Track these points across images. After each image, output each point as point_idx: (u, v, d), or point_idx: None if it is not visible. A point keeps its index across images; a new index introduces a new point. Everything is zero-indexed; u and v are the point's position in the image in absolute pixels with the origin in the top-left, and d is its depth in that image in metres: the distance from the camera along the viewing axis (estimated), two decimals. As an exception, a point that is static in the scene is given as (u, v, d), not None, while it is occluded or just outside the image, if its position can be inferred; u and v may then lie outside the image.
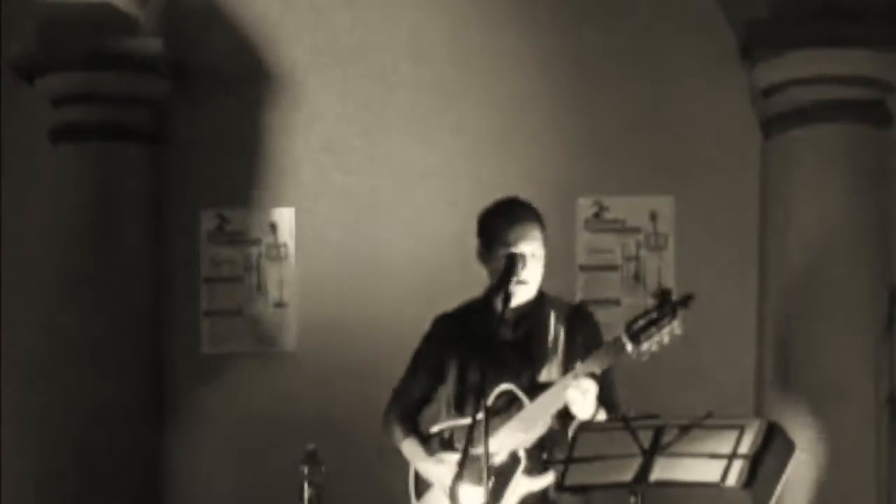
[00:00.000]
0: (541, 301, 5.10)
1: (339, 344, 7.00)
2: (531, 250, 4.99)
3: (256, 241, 7.15)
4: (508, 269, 4.94)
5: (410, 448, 5.19)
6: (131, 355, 6.96)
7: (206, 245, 7.19)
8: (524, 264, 4.96)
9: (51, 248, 7.03)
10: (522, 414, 4.92)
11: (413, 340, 6.65)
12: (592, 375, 4.81)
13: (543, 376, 4.98)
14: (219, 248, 7.18)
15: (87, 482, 6.84)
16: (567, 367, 4.95)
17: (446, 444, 5.11)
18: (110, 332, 6.92)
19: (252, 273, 7.14)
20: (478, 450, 4.73)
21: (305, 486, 5.14)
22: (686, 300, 4.76)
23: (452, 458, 4.93)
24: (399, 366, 6.78)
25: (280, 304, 7.12)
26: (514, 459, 4.95)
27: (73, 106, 7.01)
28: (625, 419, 4.57)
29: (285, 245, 7.13)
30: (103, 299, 6.93)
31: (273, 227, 7.14)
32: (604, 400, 4.89)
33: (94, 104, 7.00)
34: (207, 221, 7.19)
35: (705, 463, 4.43)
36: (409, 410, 5.26)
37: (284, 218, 7.13)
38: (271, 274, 7.13)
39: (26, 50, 7.00)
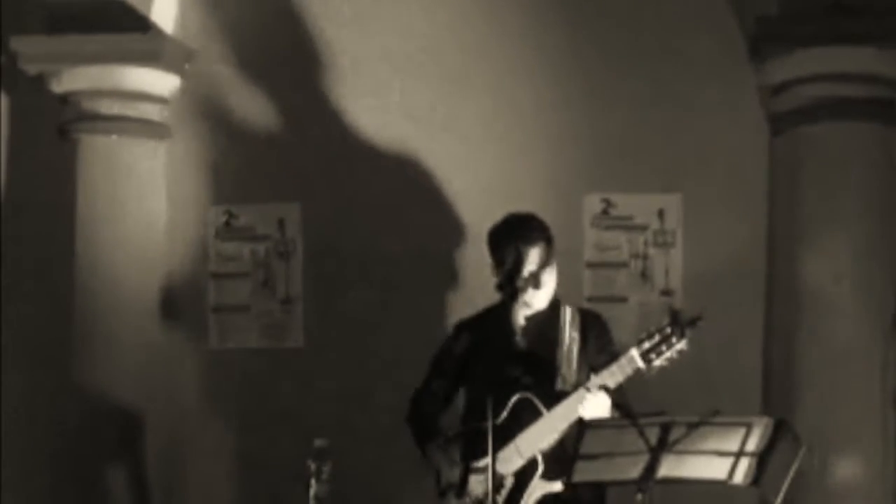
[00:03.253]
0: (554, 308, 5.33)
1: (347, 340, 7.00)
2: (538, 268, 5.23)
3: (264, 238, 7.16)
4: (521, 280, 5.20)
5: (435, 453, 5.35)
6: (139, 350, 6.97)
7: (213, 241, 7.20)
8: (538, 286, 5.22)
9: (56, 243, 7.03)
10: (539, 423, 5.11)
11: (419, 335, 6.67)
12: (605, 388, 5.05)
13: (559, 385, 5.20)
14: (226, 243, 7.18)
15: (91, 475, 6.84)
16: (580, 374, 5.19)
17: (465, 449, 5.21)
18: (117, 327, 6.93)
19: (260, 269, 7.15)
20: (498, 455, 5.03)
21: (313, 481, 5.14)
22: (694, 321, 5.02)
23: (478, 465, 5.07)
24: (405, 360, 6.80)
25: (287, 301, 7.12)
26: (532, 464, 5.13)
27: (80, 100, 7.02)
28: (632, 416, 4.59)
29: (293, 241, 7.13)
30: (110, 294, 6.93)
31: (281, 224, 7.14)
32: (618, 405, 5.11)
33: (102, 99, 7.01)
34: (215, 217, 7.20)
35: (712, 460, 4.44)
36: (431, 413, 5.45)
37: (292, 214, 7.13)
38: (279, 270, 7.13)
39: (35, 44, 7.00)
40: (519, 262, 5.18)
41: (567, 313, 5.33)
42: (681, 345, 5.00)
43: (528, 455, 5.11)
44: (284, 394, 7.04)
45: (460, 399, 5.51)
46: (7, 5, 7.13)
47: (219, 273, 7.18)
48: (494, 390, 5.04)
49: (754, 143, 6.76)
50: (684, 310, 5.02)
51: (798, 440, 4.46)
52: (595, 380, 5.05)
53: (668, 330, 5.00)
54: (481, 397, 5.05)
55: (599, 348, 5.29)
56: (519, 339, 5.28)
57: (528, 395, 5.12)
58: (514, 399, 5.11)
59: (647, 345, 5.02)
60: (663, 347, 5.00)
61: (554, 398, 5.13)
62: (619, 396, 5.14)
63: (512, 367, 5.22)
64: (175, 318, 7.09)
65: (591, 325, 5.35)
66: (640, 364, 5.02)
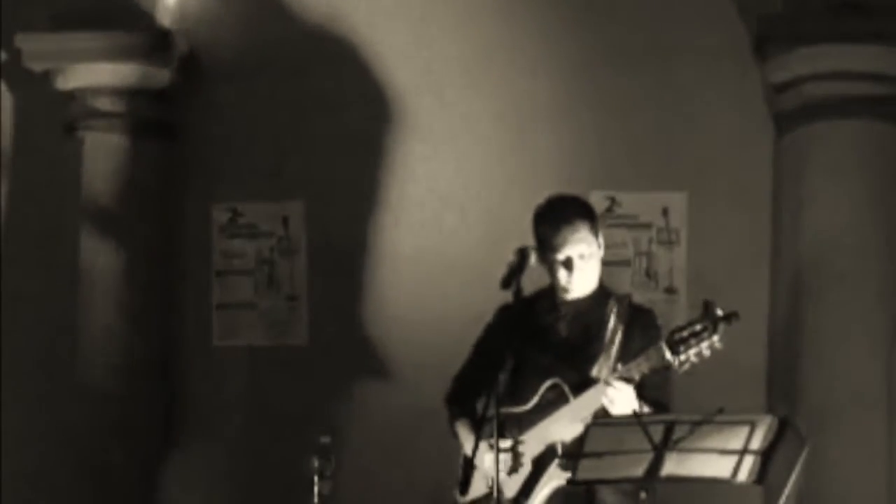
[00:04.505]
0: (601, 296, 5.17)
1: (351, 337, 7.01)
2: (578, 252, 5.07)
3: (269, 235, 7.16)
4: (561, 264, 5.05)
5: (462, 431, 5.23)
6: (143, 348, 6.97)
7: (218, 238, 7.21)
8: (571, 269, 5.05)
9: (60, 241, 7.03)
10: (564, 409, 4.99)
11: (423, 333, 6.68)
12: (628, 380, 4.90)
13: (594, 373, 5.04)
14: (231, 241, 7.19)
15: (96, 473, 6.85)
16: (617, 367, 5.02)
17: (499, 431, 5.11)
18: (121, 325, 6.93)
19: (264, 266, 7.15)
20: (520, 439, 4.95)
21: (317, 478, 5.15)
22: (730, 317, 4.82)
23: (502, 445, 4.94)
24: (409, 358, 6.83)
25: (292, 298, 7.12)
26: (551, 452, 5.01)
27: (86, 97, 7.02)
28: (636, 415, 4.58)
29: (297, 239, 7.14)
30: (114, 292, 6.94)
31: (285, 221, 7.14)
32: (652, 401, 4.97)
33: (107, 96, 7.02)
34: (220, 215, 7.20)
35: (716, 458, 4.42)
36: (467, 396, 5.28)
37: (296, 211, 7.13)
38: (283, 267, 7.14)
39: (40, 41, 7.00)
40: (547, 242, 5.04)
41: (614, 304, 5.14)
42: (713, 340, 4.80)
43: (548, 441, 4.99)
44: (288, 391, 7.05)
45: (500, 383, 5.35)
46: (11, 2, 7.13)
47: (223, 270, 7.19)
48: (530, 375, 4.97)
49: (759, 141, 6.77)
50: (720, 304, 4.80)
51: (802, 438, 4.45)
52: (620, 370, 4.92)
53: (699, 326, 4.82)
54: (516, 384, 4.97)
55: (645, 344, 5.03)
56: (560, 326, 5.13)
57: (559, 381, 4.97)
58: (545, 385, 4.98)
59: (676, 337, 4.83)
60: (693, 342, 4.81)
61: (588, 386, 4.98)
62: (656, 391, 4.99)
63: (550, 354, 5.07)
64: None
65: (639, 318, 5.13)
66: (669, 357, 4.83)
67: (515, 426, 5.03)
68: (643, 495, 4.55)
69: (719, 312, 4.81)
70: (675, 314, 6.69)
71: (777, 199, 6.69)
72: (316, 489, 5.14)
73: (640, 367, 4.90)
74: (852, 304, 6.34)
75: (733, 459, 4.41)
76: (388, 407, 6.87)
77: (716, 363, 6.63)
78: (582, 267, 5.08)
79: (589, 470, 4.49)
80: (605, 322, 5.10)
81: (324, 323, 7.08)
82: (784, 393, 6.46)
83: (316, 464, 5.15)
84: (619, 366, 4.96)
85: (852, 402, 6.28)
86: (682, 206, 6.86)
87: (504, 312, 5.22)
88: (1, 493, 7.01)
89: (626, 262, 6.86)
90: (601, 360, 5.05)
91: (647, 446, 4.43)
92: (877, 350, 6.36)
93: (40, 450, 7.03)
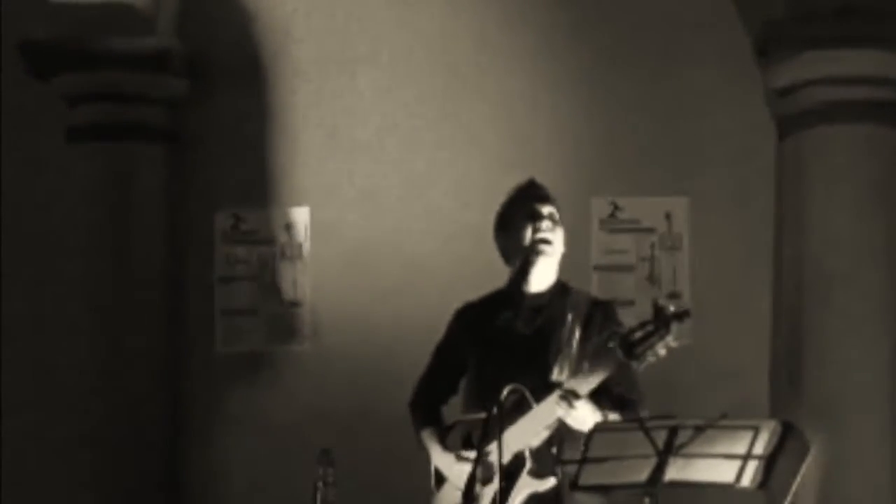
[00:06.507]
0: (561, 293, 5.12)
1: (354, 343, 7.01)
2: (548, 211, 5.10)
3: (271, 241, 7.16)
4: (530, 219, 5.06)
5: (428, 440, 5.20)
6: (146, 354, 6.97)
7: (220, 244, 7.20)
8: (545, 221, 5.07)
9: (62, 248, 7.03)
10: (528, 417, 4.93)
11: (426, 339, 6.67)
12: (574, 393, 4.84)
13: (555, 375, 5.00)
14: (234, 247, 7.19)
15: (103, 481, 6.85)
16: (579, 366, 4.97)
17: (465, 438, 5.08)
18: (124, 331, 6.93)
19: (267, 272, 7.15)
20: (489, 449, 4.81)
21: (319, 485, 5.14)
22: (681, 315, 4.75)
23: (470, 455, 4.90)
24: (412, 364, 6.80)
25: (294, 304, 7.12)
26: (519, 460, 4.95)
27: (87, 105, 7.02)
28: (639, 419, 4.58)
29: (300, 245, 7.14)
30: (117, 299, 6.94)
31: (288, 227, 7.14)
32: (619, 398, 4.93)
33: (109, 103, 7.01)
34: (222, 221, 7.20)
35: (720, 463, 4.43)
36: (432, 401, 5.27)
37: (299, 217, 7.14)
38: (286, 273, 7.14)
39: (40, 48, 7.00)
40: (526, 209, 5.06)
41: (572, 300, 5.09)
42: (667, 340, 4.71)
43: (514, 450, 4.91)
44: (291, 397, 7.04)
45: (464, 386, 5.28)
46: (11, 7, 7.13)
47: (226, 276, 7.19)
48: (492, 377, 4.86)
49: (761, 145, 6.76)
50: (671, 304, 4.76)
51: (805, 444, 4.45)
52: (571, 383, 4.87)
53: (652, 326, 4.72)
54: (479, 385, 4.94)
55: (602, 340, 4.97)
56: (519, 324, 5.08)
57: (520, 387, 4.81)
58: (505, 390, 4.77)
59: (630, 339, 4.72)
60: (647, 343, 4.71)
61: (550, 388, 4.92)
62: (627, 388, 4.95)
63: (512, 354, 5.00)
64: None
65: (597, 314, 5.09)
66: (623, 361, 4.75)
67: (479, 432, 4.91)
68: (647, 501, 4.54)
69: (670, 311, 4.73)
70: (679, 319, 6.70)
71: (779, 204, 6.68)
72: (319, 496, 5.14)
73: (597, 375, 4.84)
74: (854, 307, 6.34)
75: (737, 464, 4.41)
76: (390, 412, 6.86)
77: (719, 366, 6.65)
78: (555, 230, 5.09)
79: (592, 475, 4.49)
80: (562, 319, 5.05)
81: (326, 329, 7.08)
82: (787, 396, 6.45)
83: (319, 470, 5.15)
84: (570, 380, 4.88)
85: (856, 403, 6.28)
86: (684, 211, 6.86)
87: (462, 313, 5.24)
88: (1, 500, 7.01)
89: (628, 268, 6.85)
90: (563, 360, 5.00)
91: (651, 451, 4.43)
92: (880, 352, 6.35)
93: (40, 457, 7.02)
